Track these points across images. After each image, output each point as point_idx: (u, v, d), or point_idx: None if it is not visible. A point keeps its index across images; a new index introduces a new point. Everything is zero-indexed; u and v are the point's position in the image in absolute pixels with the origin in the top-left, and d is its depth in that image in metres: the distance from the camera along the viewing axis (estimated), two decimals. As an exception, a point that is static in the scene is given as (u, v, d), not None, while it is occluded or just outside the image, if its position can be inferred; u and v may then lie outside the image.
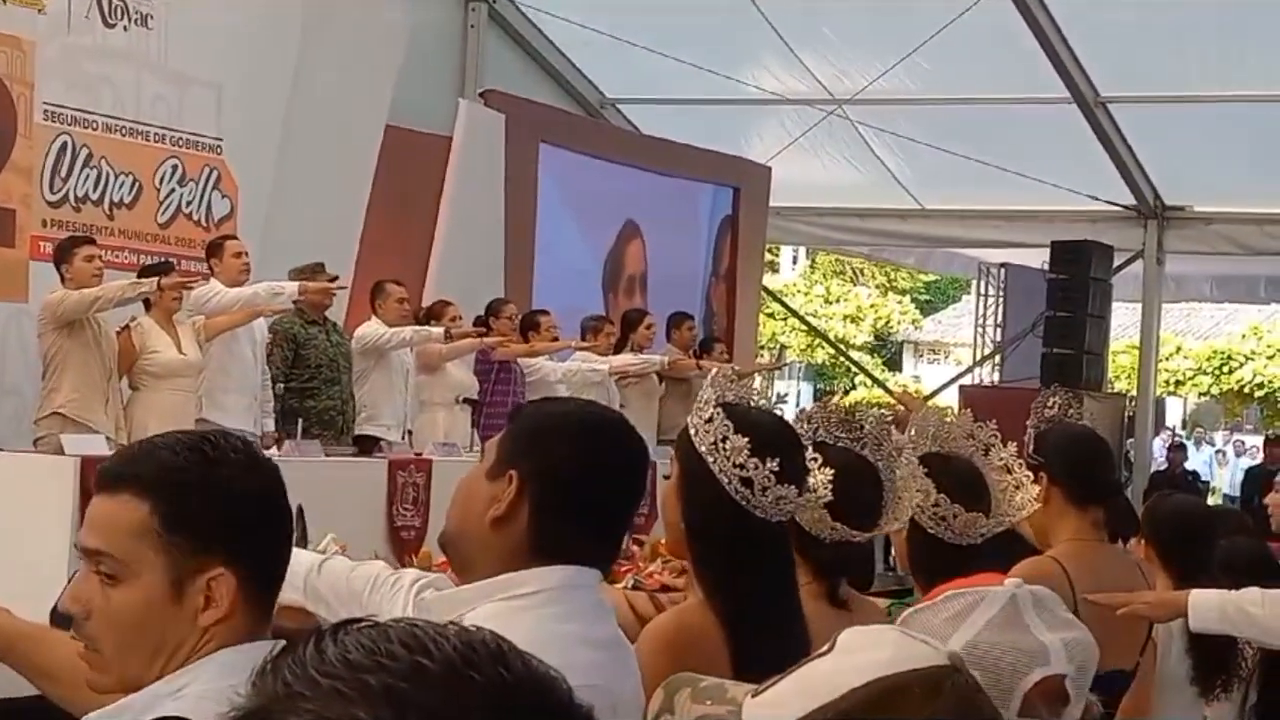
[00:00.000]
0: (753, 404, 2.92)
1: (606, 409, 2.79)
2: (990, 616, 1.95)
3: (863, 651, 1.46)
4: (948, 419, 3.80)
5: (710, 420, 2.81)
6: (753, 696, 1.52)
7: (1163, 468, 19.38)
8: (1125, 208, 16.25)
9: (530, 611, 2.33)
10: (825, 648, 1.50)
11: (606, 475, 2.46)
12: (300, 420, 9.35)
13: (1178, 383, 34.69)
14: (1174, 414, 36.93)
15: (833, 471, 3.02)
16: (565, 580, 2.40)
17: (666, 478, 2.95)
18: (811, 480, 2.92)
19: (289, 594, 2.23)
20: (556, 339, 11.93)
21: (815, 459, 2.97)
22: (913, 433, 3.59)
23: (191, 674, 2.00)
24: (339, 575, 2.82)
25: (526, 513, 2.39)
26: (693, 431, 2.84)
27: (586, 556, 2.44)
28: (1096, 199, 15.95)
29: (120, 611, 2.01)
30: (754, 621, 2.76)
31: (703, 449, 2.80)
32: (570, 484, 2.41)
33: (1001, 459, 3.66)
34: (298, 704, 1.03)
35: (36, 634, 2.51)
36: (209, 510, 2.02)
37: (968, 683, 1.44)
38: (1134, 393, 18.49)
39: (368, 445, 9.79)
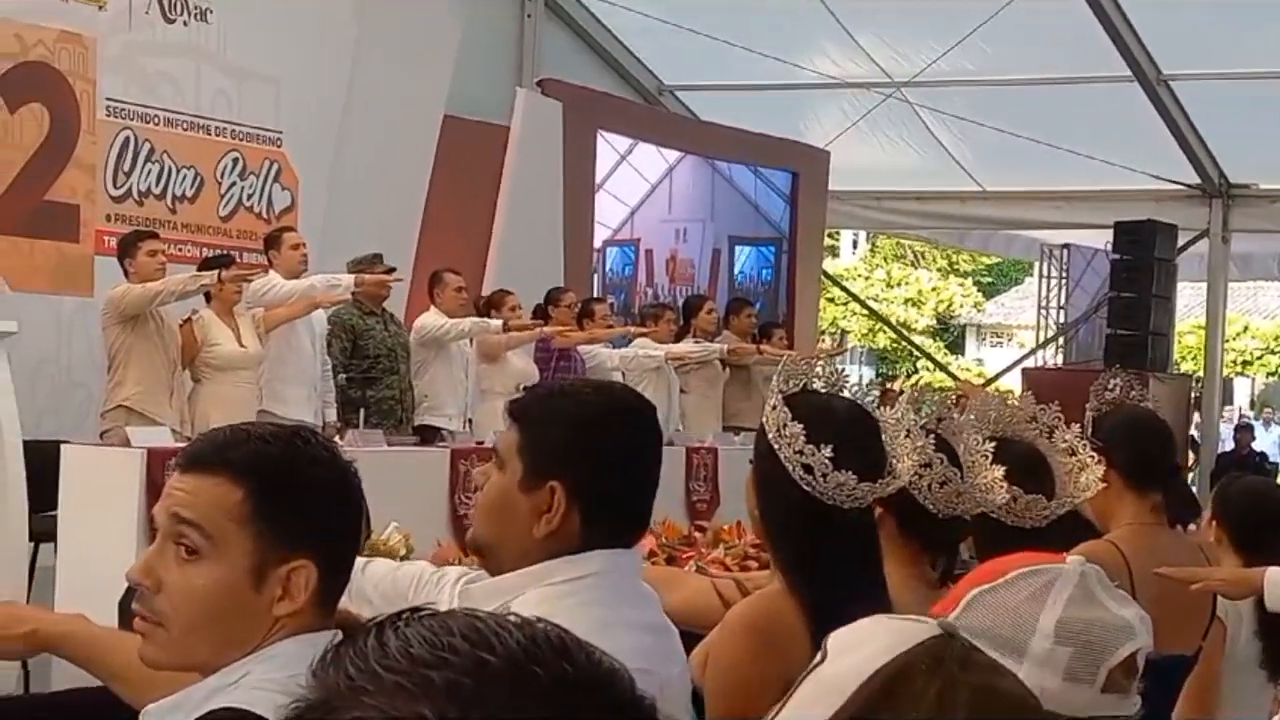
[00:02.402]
0: (833, 389, 2.91)
1: (606, 384, 2.77)
2: (1069, 594, 1.94)
3: (858, 647, 1.47)
4: (1009, 402, 3.79)
5: (774, 408, 2.82)
6: None
7: (1230, 449, 19.22)
8: (1189, 186, 16.11)
9: (577, 596, 2.34)
10: (818, 658, 1.50)
11: (639, 457, 2.49)
12: (362, 410, 9.38)
13: (1245, 363, 34.38)
14: (1242, 394, 36.63)
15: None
16: (610, 564, 2.41)
17: (750, 463, 2.94)
18: (899, 465, 2.88)
19: None
20: (612, 325, 11.93)
21: (905, 444, 2.94)
22: (973, 417, 3.57)
23: (252, 664, 2.00)
24: (383, 574, 2.83)
25: (576, 519, 2.39)
26: (764, 420, 2.85)
27: (628, 537, 2.45)
28: (1160, 178, 15.82)
29: (197, 589, 2.01)
30: (835, 608, 2.73)
31: (770, 436, 2.81)
32: (612, 479, 2.42)
33: (1066, 441, 3.64)
34: (360, 698, 1.02)
35: (111, 639, 2.52)
36: (300, 502, 2.03)
37: (964, 644, 1.46)
38: (1200, 373, 18.34)
39: (429, 435, 9.81)
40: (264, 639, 2.02)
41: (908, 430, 2.97)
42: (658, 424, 2.56)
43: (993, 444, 3.51)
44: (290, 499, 2.02)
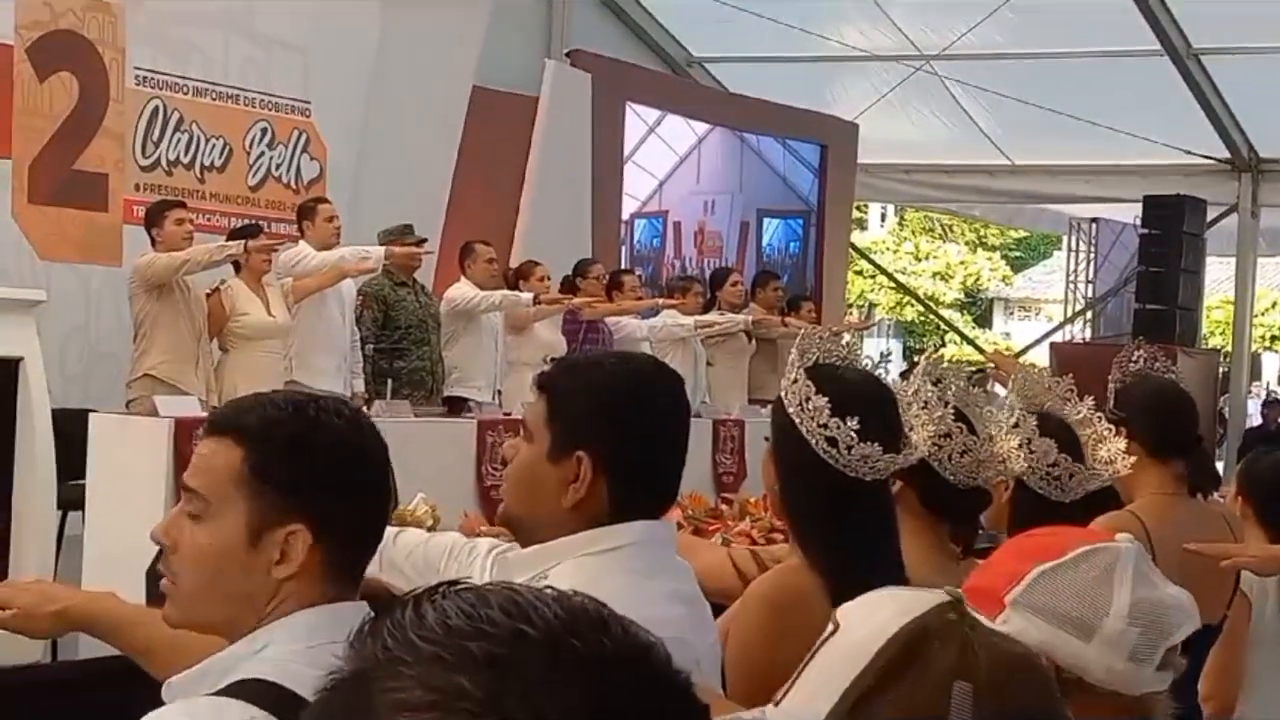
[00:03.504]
0: (841, 362, 2.91)
1: (632, 355, 2.78)
2: (1131, 574, 1.95)
3: (870, 617, 1.50)
4: (1035, 376, 3.81)
5: (795, 382, 2.81)
6: (774, 705, 1.54)
7: (1257, 424, 19.15)
8: (1218, 161, 16.04)
9: (615, 565, 2.36)
10: (829, 629, 1.52)
11: (665, 427, 2.49)
12: (390, 381, 9.40)
13: (1274, 338, 34.25)
14: (1270, 369, 36.48)
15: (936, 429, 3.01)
16: (646, 535, 2.42)
17: (767, 439, 2.95)
18: (915, 436, 2.89)
19: None
20: (641, 297, 11.95)
21: (919, 416, 2.94)
22: (1014, 397, 3.59)
23: (271, 634, 2.01)
24: (414, 545, 2.84)
25: (605, 488, 2.40)
26: (783, 394, 2.85)
27: (657, 509, 2.47)
28: (1189, 152, 15.75)
29: (199, 549, 2.05)
30: (855, 580, 2.73)
31: (791, 410, 2.80)
32: (639, 448, 2.43)
33: (1080, 413, 3.65)
34: (398, 669, 1.03)
35: (139, 616, 2.56)
36: (297, 467, 2.05)
37: (969, 610, 1.49)
38: (1228, 349, 18.27)
39: (457, 406, 9.83)
40: (271, 603, 2.04)
41: (925, 401, 2.98)
42: (685, 395, 2.57)
43: (1034, 417, 3.54)
44: (290, 464, 2.05)
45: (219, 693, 1.92)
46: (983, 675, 1.42)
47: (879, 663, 1.45)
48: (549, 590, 1.09)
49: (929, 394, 3.05)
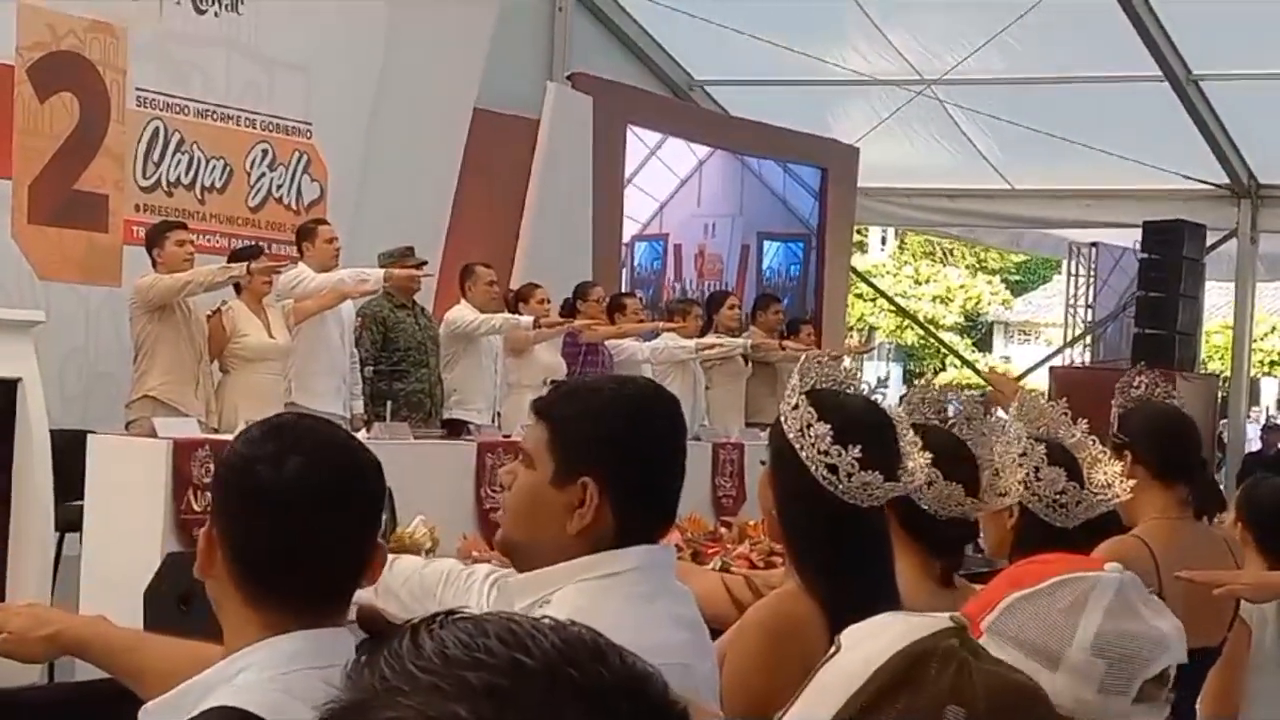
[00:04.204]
0: (842, 388, 2.90)
1: (630, 378, 2.78)
2: (1106, 605, 1.94)
3: (872, 637, 1.49)
4: (1033, 400, 3.82)
5: (796, 407, 2.81)
6: None
7: (1256, 449, 19.13)
8: (1218, 186, 16.05)
9: (617, 590, 2.35)
10: (832, 650, 1.52)
11: (667, 449, 2.49)
12: (389, 403, 9.40)
13: (1273, 363, 34.26)
14: (1269, 394, 36.49)
15: (931, 455, 3.01)
16: (647, 560, 2.42)
17: (763, 463, 2.95)
18: (910, 464, 2.89)
19: (359, 592, 2.24)
20: (643, 320, 11.95)
21: (916, 442, 2.95)
22: (1017, 423, 3.59)
23: (249, 658, 2.02)
24: (411, 571, 2.83)
25: (609, 514, 2.39)
26: (782, 419, 2.84)
27: (658, 533, 2.47)
28: (1189, 178, 15.76)
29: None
30: (851, 607, 2.73)
31: (791, 436, 2.80)
32: (642, 472, 2.43)
33: (1074, 436, 3.66)
34: (395, 699, 1.03)
35: (131, 641, 2.57)
36: (221, 483, 2.14)
37: (975, 640, 1.49)
38: (1228, 373, 18.27)
39: (456, 428, 9.83)
40: (220, 606, 2.10)
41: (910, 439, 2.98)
42: (683, 417, 2.57)
43: (1042, 445, 3.55)
44: (220, 486, 2.14)
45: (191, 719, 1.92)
46: (978, 702, 1.41)
47: (875, 683, 1.45)
48: (547, 620, 1.08)
49: (918, 418, 3.06)
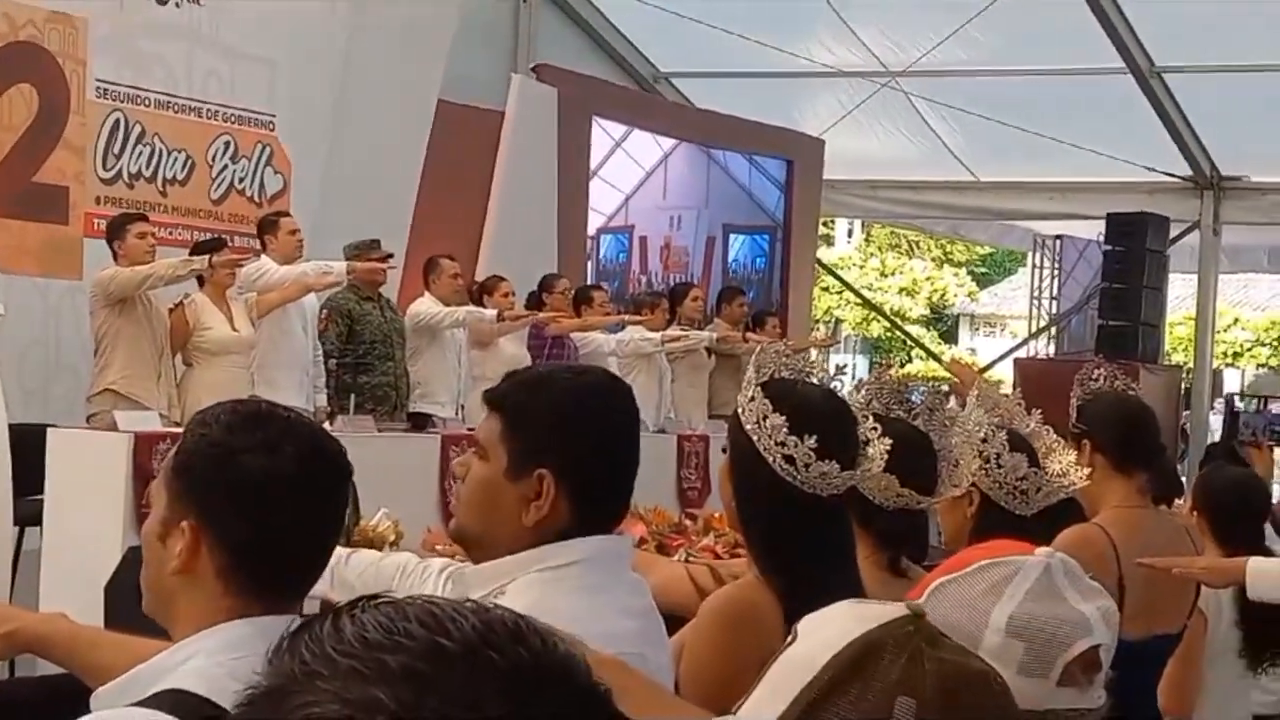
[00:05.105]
0: (799, 379, 2.90)
1: (582, 368, 2.76)
2: (1028, 587, 1.94)
3: (826, 627, 1.50)
4: (992, 389, 3.83)
5: (752, 399, 2.80)
6: (733, 713, 1.53)
7: (1219, 440, 19.22)
8: (1181, 179, 16.13)
9: (570, 581, 2.34)
10: (789, 639, 1.53)
11: (622, 438, 2.48)
12: (353, 396, 9.37)
13: (1235, 354, 34.44)
14: (1231, 385, 36.67)
15: (890, 442, 3.00)
16: (600, 550, 2.41)
17: (724, 451, 2.94)
18: (871, 450, 2.89)
19: (316, 585, 2.23)
20: (609, 313, 11.94)
21: (875, 428, 2.94)
22: (978, 411, 3.60)
23: (197, 645, 2.02)
24: (367, 564, 2.82)
25: (565, 504, 2.38)
26: (740, 411, 2.84)
27: (612, 523, 2.46)
28: (1152, 170, 15.84)
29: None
30: (810, 597, 2.72)
31: (748, 428, 2.80)
32: (598, 462, 2.42)
33: (1029, 426, 3.68)
34: (315, 683, 1.02)
35: (91, 637, 2.56)
36: (198, 471, 2.10)
37: (931, 626, 1.49)
38: (1191, 365, 18.36)
39: (421, 422, 9.79)
40: (177, 598, 2.08)
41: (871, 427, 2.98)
42: (635, 404, 2.55)
43: (1004, 432, 3.56)
44: (194, 468, 2.10)
45: (139, 703, 1.92)
46: (929, 690, 1.41)
47: (828, 673, 1.45)
48: (469, 603, 1.08)
49: (878, 408, 3.05)
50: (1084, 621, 1.95)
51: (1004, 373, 16.77)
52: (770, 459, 2.75)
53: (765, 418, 2.76)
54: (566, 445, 2.39)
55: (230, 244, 9.59)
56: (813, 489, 2.75)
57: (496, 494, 2.40)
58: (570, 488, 2.37)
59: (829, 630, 1.49)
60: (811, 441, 2.73)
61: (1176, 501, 4.85)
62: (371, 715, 0.99)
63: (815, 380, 2.93)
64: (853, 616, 1.50)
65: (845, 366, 3.42)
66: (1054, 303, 18.72)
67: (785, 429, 2.73)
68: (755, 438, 2.77)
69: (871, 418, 2.97)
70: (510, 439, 2.40)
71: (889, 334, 35.94)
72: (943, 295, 38.94)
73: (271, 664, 1.06)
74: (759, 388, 2.81)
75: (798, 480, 2.74)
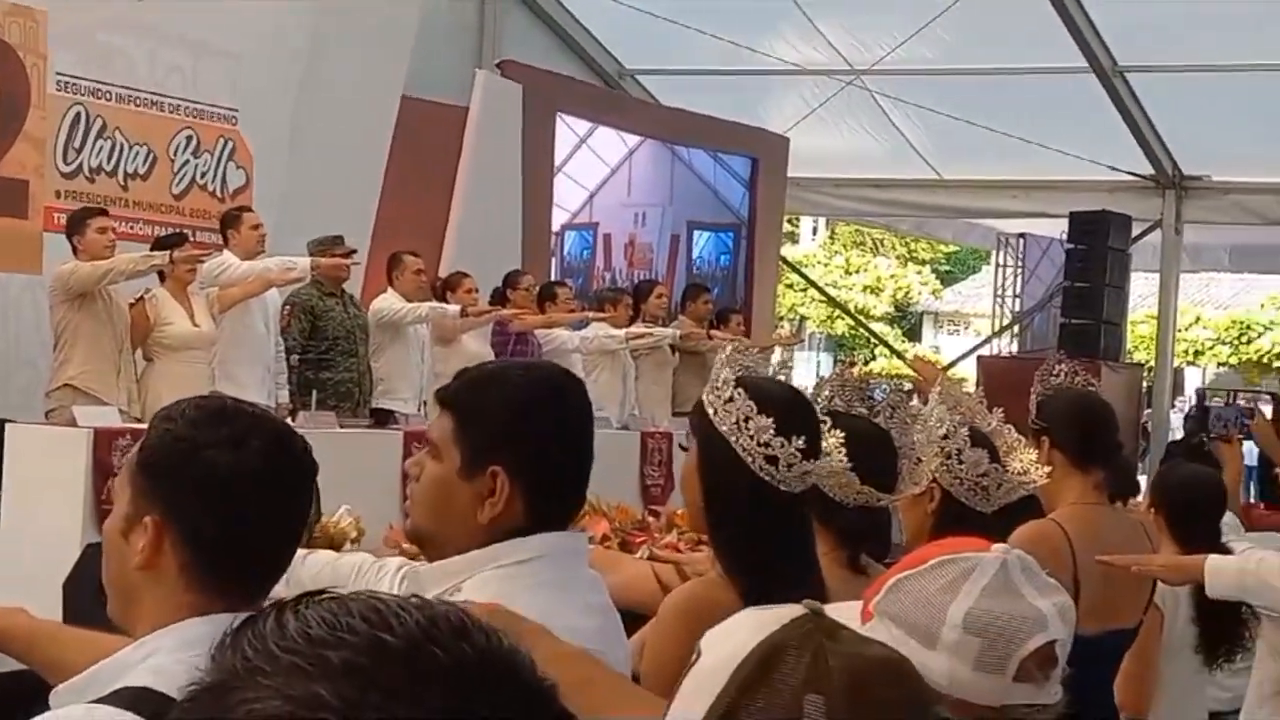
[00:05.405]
0: (767, 378, 2.90)
1: (534, 364, 2.75)
2: (985, 584, 1.95)
3: (729, 637, 1.50)
4: (954, 387, 3.84)
5: (731, 400, 2.78)
6: None
7: (1180, 438, 19.30)
8: (1143, 178, 16.19)
9: (527, 579, 2.33)
10: (692, 657, 1.53)
11: (575, 434, 2.47)
12: (315, 392, 9.34)
13: (1197, 353, 34.64)
14: (1192, 384, 36.87)
15: (844, 435, 3.01)
16: (556, 547, 2.40)
17: (683, 448, 2.93)
18: (825, 444, 2.90)
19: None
20: (574, 310, 11.93)
21: (826, 423, 2.95)
22: (941, 408, 3.60)
23: (157, 642, 2.00)
24: (323, 565, 2.82)
25: (520, 502, 2.37)
26: (712, 412, 2.81)
27: (569, 518, 2.45)
28: (1115, 169, 15.89)
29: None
30: (773, 595, 2.72)
31: (724, 429, 2.77)
32: (551, 458, 2.41)
33: (990, 424, 3.69)
34: (256, 679, 1.01)
35: (51, 631, 2.56)
36: (163, 466, 2.08)
37: (831, 621, 1.48)
38: (1152, 363, 18.45)
39: (384, 418, 9.77)
40: (139, 595, 2.07)
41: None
42: (588, 399, 2.54)
43: (965, 429, 3.57)
44: (161, 470, 2.08)
45: (99, 700, 1.90)
46: (836, 685, 1.40)
47: (734, 684, 1.44)
48: (414, 599, 1.07)
49: (839, 405, 3.06)
50: (1040, 617, 1.96)
51: (967, 370, 16.80)
52: (750, 460, 2.74)
53: (748, 419, 2.75)
54: (519, 442, 2.38)
55: (192, 239, 9.56)
56: (789, 488, 2.75)
57: (450, 493, 2.39)
58: (524, 485, 2.36)
59: (732, 641, 1.48)
60: (799, 442, 2.73)
61: (1133, 500, 4.87)
62: (313, 712, 0.98)
63: (783, 378, 2.93)
64: (752, 625, 1.49)
65: (787, 361, 3.44)
66: (1017, 301, 18.78)
67: (772, 430, 2.73)
68: (733, 438, 2.76)
69: (831, 419, 2.98)
70: (462, 437, 2.39)
71: (853, 331, 36.03)
72: (907, 293, 39.06)
73: (215, 660, 1.05)
74: (740, 389, 2.80)
75: (777, 480, 2.74)
